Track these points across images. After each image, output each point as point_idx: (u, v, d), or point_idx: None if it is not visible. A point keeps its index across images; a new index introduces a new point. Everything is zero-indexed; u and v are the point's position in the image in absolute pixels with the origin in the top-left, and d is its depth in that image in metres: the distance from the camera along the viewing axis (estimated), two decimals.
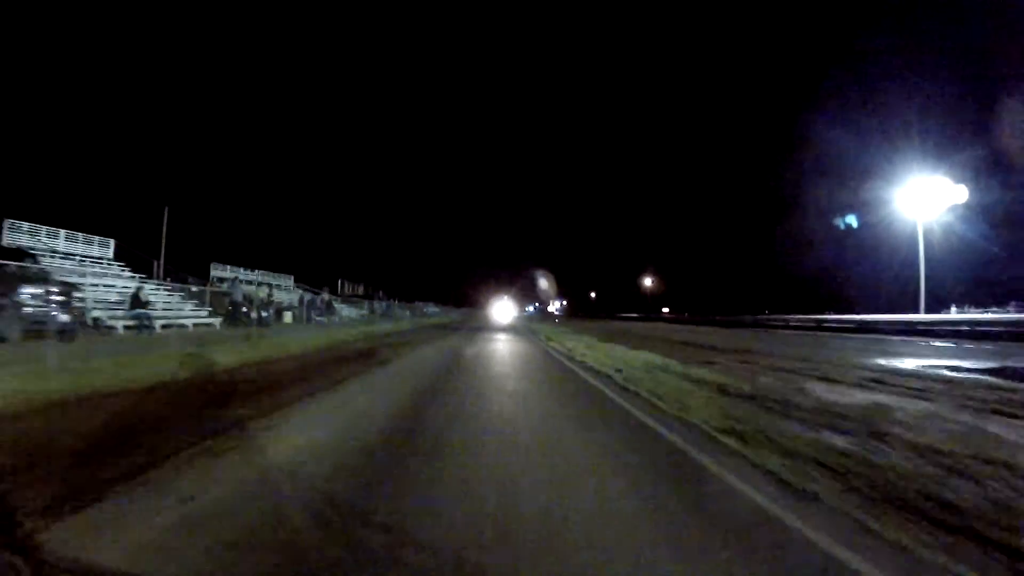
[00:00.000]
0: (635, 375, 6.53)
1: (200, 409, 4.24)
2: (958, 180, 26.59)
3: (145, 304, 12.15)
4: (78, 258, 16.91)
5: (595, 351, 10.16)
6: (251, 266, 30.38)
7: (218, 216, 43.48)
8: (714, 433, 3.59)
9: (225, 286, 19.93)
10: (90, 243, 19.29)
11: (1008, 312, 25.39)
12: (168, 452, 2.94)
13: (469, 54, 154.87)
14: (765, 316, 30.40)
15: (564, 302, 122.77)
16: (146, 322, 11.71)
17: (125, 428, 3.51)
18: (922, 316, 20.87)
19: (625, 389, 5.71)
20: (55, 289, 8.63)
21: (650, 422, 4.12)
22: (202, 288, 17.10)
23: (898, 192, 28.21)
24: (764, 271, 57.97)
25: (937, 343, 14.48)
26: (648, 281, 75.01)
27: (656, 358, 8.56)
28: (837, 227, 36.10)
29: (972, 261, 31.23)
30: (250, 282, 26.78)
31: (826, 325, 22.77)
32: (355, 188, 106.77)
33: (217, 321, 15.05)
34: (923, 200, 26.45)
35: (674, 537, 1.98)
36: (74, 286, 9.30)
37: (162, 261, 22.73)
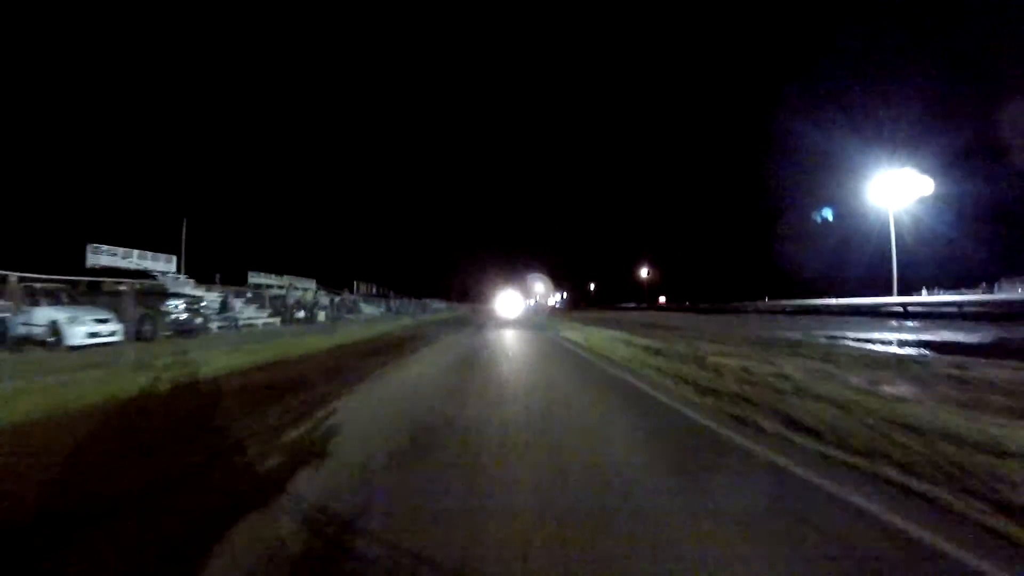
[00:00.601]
0: (597, 344, 10.00)
1: (359, 360, 7.70)
2: (926, 173, 30.03)
3: (231, 309, 15.63)
4: (159, 273, 20.40)
5: (576, 332, 13.64)
6: (276, 271, 34.01)
7: (235, 224, 46.74)
8: (624, 364, 7.05)
9: (277, 291, 23.36)
10: (157, 259, 22.79)
11: (975, 294, 28.71)
12: (364, 374, 6.40)
13: (471, 53, 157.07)
14: (741, 303, 33.88)
15: (565, 294, 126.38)
16: (233, 323, 15.19)
17: (333, 368, 6.97)
18: (876, 300, 24.25)
19: (589, 350, 9.17)
20: (189, 301, 12.14)
21: (594, 360, 7.59)
22: (259, 293, 20.59)
23: (870, 184, 31.57)
24: (751, 260, 61.22)
25: (893, 323, 17.78)
26: (645, 272, 78.45)
27: (619, 334, 12.03)
28: (814, 220, 39.46)
29: (940, 247, 34.47)
30: (281, 287, 30.26)
31: (788, 309, 26.30)
32: (362, 192, 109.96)
33: (276, 320, 18.55)
34: (893, 191, 29.80)
35: (596, 395, 5.43)
36: (199, 298, 12.82)
37: (183, 268, 25.91)
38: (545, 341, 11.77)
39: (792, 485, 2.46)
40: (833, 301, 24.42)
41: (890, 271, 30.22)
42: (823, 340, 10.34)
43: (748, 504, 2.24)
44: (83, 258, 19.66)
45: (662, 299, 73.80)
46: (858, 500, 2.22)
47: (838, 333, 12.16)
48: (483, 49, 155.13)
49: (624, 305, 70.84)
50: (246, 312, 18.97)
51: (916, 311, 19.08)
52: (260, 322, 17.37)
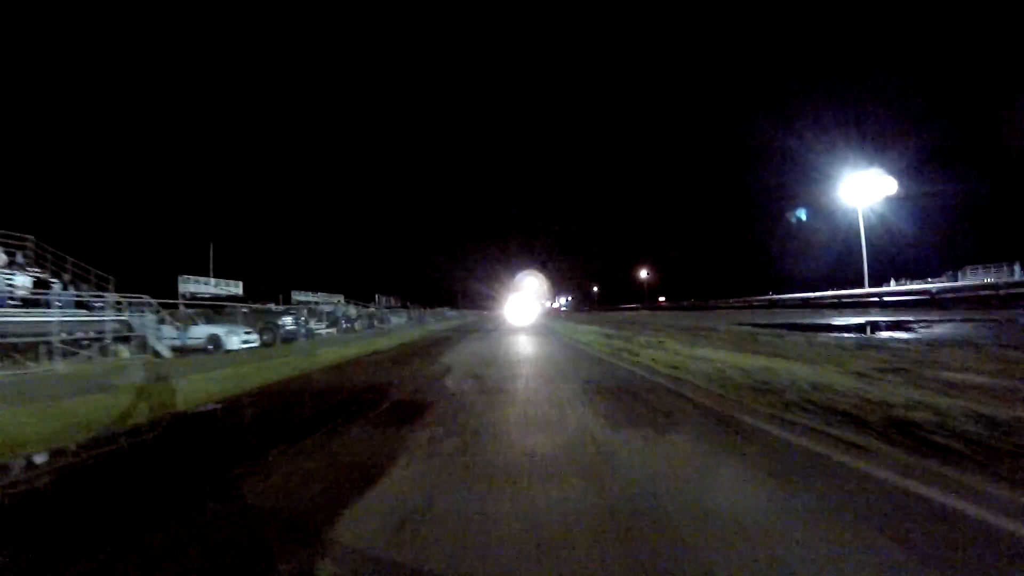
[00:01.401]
0: (576, 335, 14.63)
1: (428, 348, 12.37)
2: (891, 174, 34.30)
3: (306, 322, 20.46)
4: (230, 296, 25.32)
5: (565, 327, 18.26)
6: (308, 288, 38.96)
7: (264, 246, 51.92)
8: (584, 343, 11.70)
9: (327, 307, 28.24)
10: (228, 285, 27.76)
11: (939, 281, 32.88)
12: (436, 355, 11.09)
13: (477, 59, 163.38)
14: (721, 300, 38.24)
15: (571, 296, 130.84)
16: (308, 334, 19.97)
17: (408, 354, 11.66)
18: (816, 294, 28.64)
19: (571, 338, 13.80)
20: (295, 317, 16.96)
21: (575, 344, 12.24)
22: (314, 309, 25.47)
23: (841, 185, 35.77)
24: (738, 260, 65.64)
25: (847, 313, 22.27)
26: (644, 273, 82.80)
27: (595, 328, 16.63)
28: (789, 220, 43.89)
29: (902, 241, 38.76)
30: (316, 303, 35.16)
31: (755, 304, 30.78)
32: (376, 209, 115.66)
33: (333, 330, 23.34)
34: (862, 191, 33.92)
35: (560, 349, 10.10)
36: (303, 314, 17.66)
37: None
38: (541, 332, 16.40)
39: (623, 375, 7.09)
40: (788, 296, 28.89)
41: (860, 263, 34.61)
42: (734, 327, 14.86)
43: (595, 372, 6.88)
44: (175, 285, 24.63)
45: (662, 299, 78.05)
46: (662, 380, 6.83)
47: (762, 321, 16.66)
48: (503, 66, 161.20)
49: (625, 306, 75.20)
50: (311, 323, 23.85)
51: (848, 302, 23.48)
52: (323, 331, 22.17)
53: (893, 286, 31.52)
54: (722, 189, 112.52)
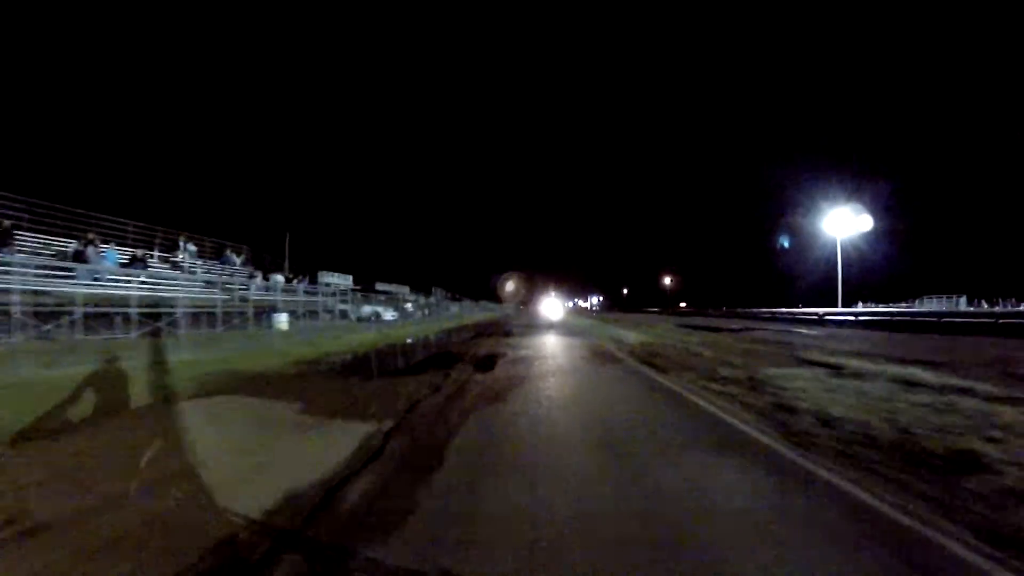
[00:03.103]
0: (593, 330, 22.93)
1: (502, 322, 21.07)
2: (868, 211, 40.59)
3: (424, 306, 29.75)
4: (346, 286, 35.09)
5: (584, 324, 26.55)
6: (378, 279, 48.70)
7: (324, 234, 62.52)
8: (590, 330, 20.05)
9: (413, 298, 37.66)
10: (346, 278, 37.61)
11: (900, 307, 39.32)
12: (509, 330, 19.76)
13: (513, 67, 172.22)
14: (724, 309, 44.69)
15: (601, 298, 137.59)
16: (389, 317, 29.16)
17: (498, 322, 20.39)
18: (800, 310, 35.24)
19: (587, 333, 22.13)
20: (413, 302, 26.15)
21: (579, 330, 20.62)
22: (406, 297, 34.88)
23: (824, 219, 42.32)
24: (750, 274, 71.71)
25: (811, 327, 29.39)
26: (668, 280, 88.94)
27: (602, 323, 24.85)
28: (780, 245, 50.13)
29: (877, 270, 44.63)
30: (398, 293, 44.76)
31: (761, 315, 38.01)
32: (432, 215, 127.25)
33: (419, 313, 32.54)
34: (841, 224, 40.60)
35: (572, 334, 18.55)
36: (416, 300, 26.88)
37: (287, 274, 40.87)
38: (564, 325, 24.70)
39: (598, 350, 15.47)
40: (781, 310, 35.97)
41: (835, 287, 40.92)
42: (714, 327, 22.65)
43: (577, 343, 15.29)
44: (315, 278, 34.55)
45: (682, 304, 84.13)
46: (612, 346, 15.17)
47: (754, 326, 24.28)
48: (528, 60, 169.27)
49: (648, 309, 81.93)
50: (408, 307, 33.28)
51: (829, 319, 30.42)
52: (419, 314, 31.37)
53: (861, 307, 38.07)
54: (732, 217, 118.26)
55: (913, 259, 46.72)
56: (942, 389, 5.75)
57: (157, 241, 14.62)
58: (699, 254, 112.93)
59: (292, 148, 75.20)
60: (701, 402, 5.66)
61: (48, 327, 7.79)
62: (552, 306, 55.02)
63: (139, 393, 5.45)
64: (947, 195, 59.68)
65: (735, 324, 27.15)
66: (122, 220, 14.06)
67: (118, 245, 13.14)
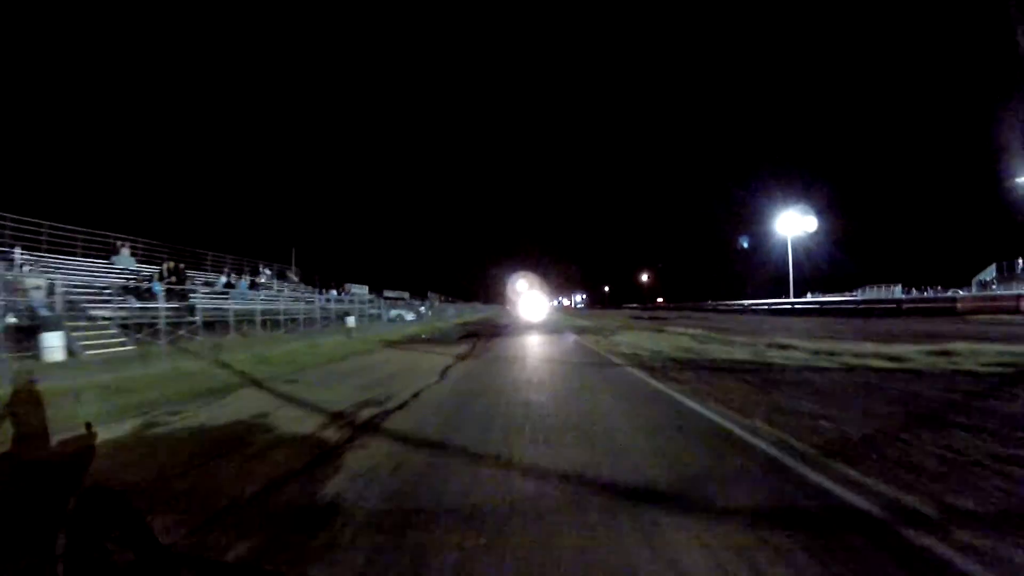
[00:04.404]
0: (562, 322, 28.57)
1: (500, 321, 26.53)
2: (813, 212, 47.39)
3: (429, 308, 34.97)
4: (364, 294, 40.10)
5: (565, 320, 32.21)
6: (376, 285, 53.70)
7: (334, 250, 67.18)
8: (565, 324, 25.78)
9: (416, 302, 42.84)
10: (363, 288, 42.51)
11: (842, 296, 46.40)
12: (504, 329, 25.27)
13: (497, 66, 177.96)
14: (698, 302, 50.90)
15: (585, 296, 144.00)
16: (409, 318, 34.37)
17: (502, 322, 25.87)
18: (753, 301, 41.68)
19: (556, 323, 27.78)
20: (426, 306, 31.43)
21: (557, 324, 26.32)
22: (405, 300, 40.04)
23: (777, 220, 48.97)
24: (718, 269, 79.56)
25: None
26: (645, 277, 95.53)
27: (577, 319, 30.52)
28: (741, 245, 56.91)
29: (823, 264, 51.64)
30: (403, 298, 49.81)
31: (720, 308, 44.35)
32: (422, 222, 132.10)
33: (412, 315, 37.74)
34: (790, 225, 47.21)
35: (551, 325, 24.23)
36: (427, 303, 32.09)
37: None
38: (548, 322, 30.22)
39: (566, 332, 21.11)
40: (742, 302, 42.61)
41: (787, 279, 47.61)
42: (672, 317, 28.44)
43: (548, 332, 20.92)
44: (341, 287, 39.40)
45: (660, 300, 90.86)
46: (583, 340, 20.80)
47: (694, 315, 30.16)
48: (529, 81, 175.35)
49: (627, 305, 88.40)
50: (422, 310, 38.47)
51: (773, 308, 36.56)
52: (428, 315, 36.54)
53: (809, 297, 44.85)
54: (710, 209, 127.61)
55: (855, 253, 53.91)
56: (755, 344, 11.32)
57: (247, 268, 19.68)
58: (673, 253, 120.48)
59: (292, 168, 79.32)
60: (585, 342, 11.76)
61: (243, 328, 13.01)
62: (536, 305, 60.36)
63: (373, 345, 11.00)
64: (886, 195, 67.86)
65: (675, 315, 33.18)
66: (221, 254, 19.09)
67: (213, 270, 18.23)
